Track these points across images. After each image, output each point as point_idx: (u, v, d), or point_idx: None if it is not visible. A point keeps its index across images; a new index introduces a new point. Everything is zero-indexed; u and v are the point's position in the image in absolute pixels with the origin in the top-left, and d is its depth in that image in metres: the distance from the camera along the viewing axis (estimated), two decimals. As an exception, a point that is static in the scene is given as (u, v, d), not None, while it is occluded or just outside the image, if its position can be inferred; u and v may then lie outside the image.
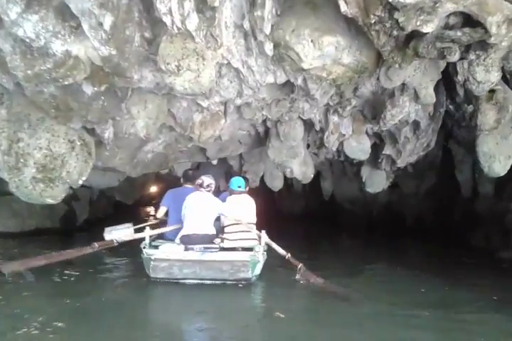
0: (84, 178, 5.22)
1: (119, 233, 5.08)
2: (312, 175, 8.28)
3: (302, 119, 7.50)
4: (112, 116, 5.19)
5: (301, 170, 8.16)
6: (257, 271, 4.71)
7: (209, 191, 5.21)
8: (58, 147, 5.11)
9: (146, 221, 6.01)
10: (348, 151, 7.87)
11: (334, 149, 7.70)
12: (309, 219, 15.60)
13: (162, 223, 5.72)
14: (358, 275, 5.69)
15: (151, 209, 17.36)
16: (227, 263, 4.44)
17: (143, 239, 5.11)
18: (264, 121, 7.72)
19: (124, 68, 4.26)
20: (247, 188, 5.93)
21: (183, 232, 4.91)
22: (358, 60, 4.54)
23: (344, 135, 7.32)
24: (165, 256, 4.48)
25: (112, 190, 10.71)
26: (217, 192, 5.80)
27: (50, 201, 5.20)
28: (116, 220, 11.87)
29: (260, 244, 5.02)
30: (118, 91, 4.92)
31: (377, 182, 9.31)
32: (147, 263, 4.60)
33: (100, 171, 9.32)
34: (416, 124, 6.83)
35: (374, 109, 6.39)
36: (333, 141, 7.42)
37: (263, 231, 5.15)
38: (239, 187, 5.66)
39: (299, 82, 5.13)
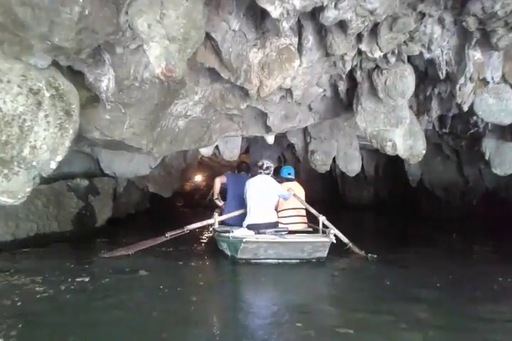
0: (60, 158, 2.88)
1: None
2: (424, 151, 5.59)
3: (412, 65, 4.87)
4: (104, 40, 2.78)
5: (407, 144, 5.49)
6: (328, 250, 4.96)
7: (268, 174, 5.40)
8: (12, 102, 2.80)
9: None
10: (483, 112, 5.12)
11: (466, 108, 4.96)
12: (381, 210, 12.76)
13: (218, 208, 6.08)
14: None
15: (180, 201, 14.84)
16: (309, 243, 4.71)
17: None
18: (351, 73, 5.15)
19: None
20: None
21: (250, 221, 5.08)
22: None
23: (487, 83, 4.59)
24: (255, 239, 4.65)
25: (143, 179, 8.51)
26: None
27: (6, 200, 2.90)
28: (152, 218, 9.92)
29: (309, 227, 5.64)
30: (107, -17, 2.49)
31: (510, 159, 6.48)
32: (233, 245, 4.76)
33: (124, 155, 7.10)
34: None
35: None
36: (468, 93, 4.71)
37: (321, 216, 5.25)
38: (289, 174, 5.99)
39: None
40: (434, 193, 10.19)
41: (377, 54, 4.08)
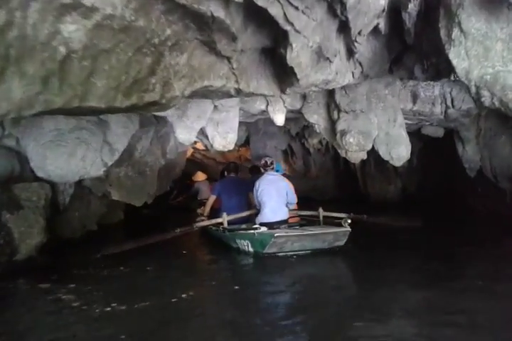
0: None
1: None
2: None
3: None
4: None
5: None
6: None
7: (272, 169, 5.72)
8: None
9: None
10: None
11: None
12: (414, 208, 10.14)
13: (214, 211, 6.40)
14: None
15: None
16: (332, 234, 4.89)
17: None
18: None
19: None
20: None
21: (263, 219, 5.32)
22: None
23: None
24: (284, 233, 4.77)
25: (101, 183, 5.99)
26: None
27: None
28: (126, 233, 7.47)
29: (302, 220, 6.13)
30: None
31: None
32: (258, 242, 4.89)
33: (61, 147, 4.67)
34: None
35: None
36: None
37: (320, 208, 5.85)
38: (277, 171, 6.10)
39: None
40: (497, 185, 7.69)
41: None
